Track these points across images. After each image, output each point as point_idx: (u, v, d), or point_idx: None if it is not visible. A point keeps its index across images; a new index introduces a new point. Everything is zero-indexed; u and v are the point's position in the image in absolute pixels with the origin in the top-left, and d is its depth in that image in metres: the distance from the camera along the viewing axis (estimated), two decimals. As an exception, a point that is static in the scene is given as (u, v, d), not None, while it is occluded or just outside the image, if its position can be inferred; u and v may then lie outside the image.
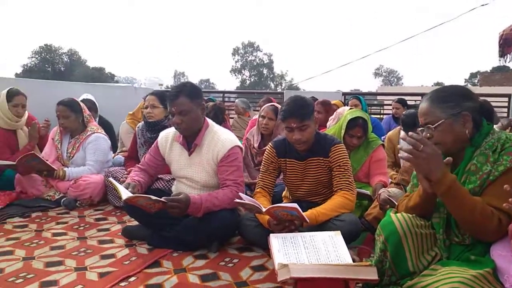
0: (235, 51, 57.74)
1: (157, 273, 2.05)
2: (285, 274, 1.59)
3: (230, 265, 2.16)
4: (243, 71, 57.76)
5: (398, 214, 1.63)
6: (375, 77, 59.72)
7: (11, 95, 3.62)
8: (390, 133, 3.74)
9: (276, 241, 1.89)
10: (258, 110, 7.69)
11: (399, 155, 3.13)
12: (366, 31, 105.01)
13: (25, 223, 2.81)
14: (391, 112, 6.00)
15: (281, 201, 2.65)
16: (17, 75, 41.43)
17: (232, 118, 5.90)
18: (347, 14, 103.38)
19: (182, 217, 2.33)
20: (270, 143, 2.52)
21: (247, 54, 57.95)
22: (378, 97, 18.74)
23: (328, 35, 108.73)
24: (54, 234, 2.60)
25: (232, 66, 57.68)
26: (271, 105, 3.42)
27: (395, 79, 58.57)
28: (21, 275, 2.01)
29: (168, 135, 2.57)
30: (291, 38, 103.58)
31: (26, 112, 3.78)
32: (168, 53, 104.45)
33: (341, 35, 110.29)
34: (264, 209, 2.07)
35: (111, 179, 2.39)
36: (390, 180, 2.94)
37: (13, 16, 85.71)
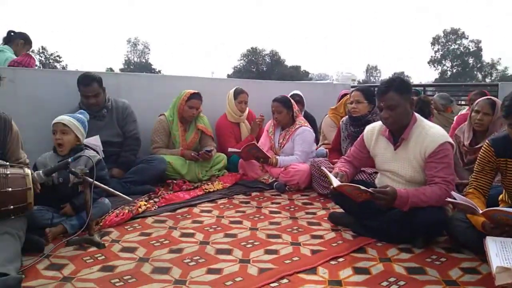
0: (435, 40, 53.05)
1: (363, 258, 2.19)
2: (505, 278, 1.51)
3: (437, 263, 2.13)
4: (443, 61, 52.60)
5: None
6: None
7: (237, 93, 4.33)
8: None
9: (494, 244, 1.78)
10: (461, 104, 6.96)
11: None
12: None
13: (247, 200, 3.36)
14: None
15: (496, 205, 2.42)
16: (228, 75, 47.90)
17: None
18: None
19: (386, 209, 2.40)
20: (487, 141, 2.32)
21: (449, 43, 52.50)
22: None
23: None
24: (271, 212, 3.04)
25: (431, 56, 53.25)
26: (487, 98, 3.11)
27: None
28: (250, 241, 2.44)
29: (374, 128, 2.66)
30: (505, 20, 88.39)
31: (247, 108, 4.46)
32: (359, 47, 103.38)
33: None
34: (480, 211, 1.96)
35: (323, 168, 2.64)
36: None
37: (227, 25, 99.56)
